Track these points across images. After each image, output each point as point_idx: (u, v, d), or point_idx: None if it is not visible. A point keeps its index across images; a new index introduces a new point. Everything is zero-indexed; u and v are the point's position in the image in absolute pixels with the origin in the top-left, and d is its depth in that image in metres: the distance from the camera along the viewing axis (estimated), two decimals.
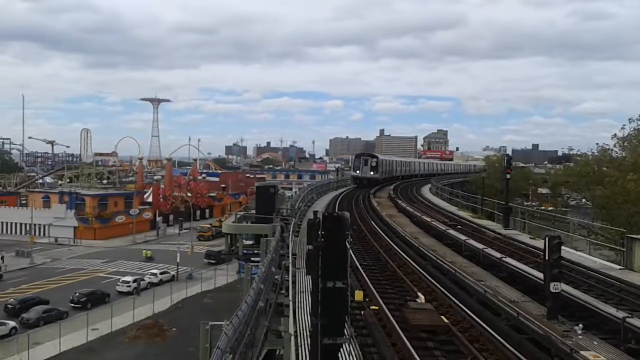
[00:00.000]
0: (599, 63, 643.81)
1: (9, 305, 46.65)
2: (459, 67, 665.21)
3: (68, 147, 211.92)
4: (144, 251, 73.07)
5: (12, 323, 42.00)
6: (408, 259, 21.30)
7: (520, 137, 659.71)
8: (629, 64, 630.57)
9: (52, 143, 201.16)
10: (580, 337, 11.72)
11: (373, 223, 31.72)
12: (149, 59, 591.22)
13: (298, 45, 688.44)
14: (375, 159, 63.93)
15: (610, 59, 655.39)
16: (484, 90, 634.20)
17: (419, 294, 16.02)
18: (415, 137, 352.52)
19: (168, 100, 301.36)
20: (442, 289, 16.63)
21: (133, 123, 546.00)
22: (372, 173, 62.95)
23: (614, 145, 43.39)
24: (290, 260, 17.79)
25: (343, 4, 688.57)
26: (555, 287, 12.90)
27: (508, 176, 32.38)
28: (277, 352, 13.12)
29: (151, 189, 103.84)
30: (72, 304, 48.25)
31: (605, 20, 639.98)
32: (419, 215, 32.65)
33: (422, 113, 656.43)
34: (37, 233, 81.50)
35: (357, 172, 64.14)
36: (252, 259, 29.05)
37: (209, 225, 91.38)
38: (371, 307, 14.60)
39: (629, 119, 41.15)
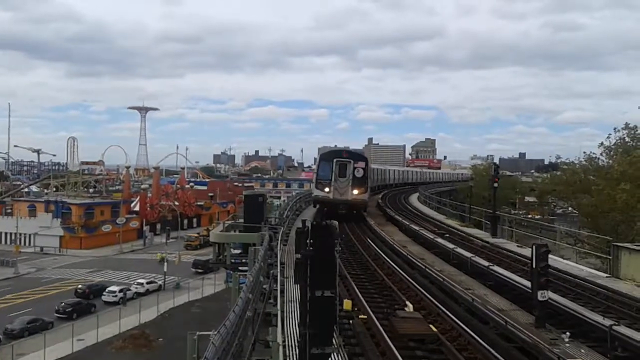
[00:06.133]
0: (575, 73, 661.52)
1: (78, 290, 54.61)
2: (439, 77, 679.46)
3: (54, 155, 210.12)
4: (158, 254, 72.45)
5: None
6: (396, 267, 21.30)
7: (505, 145, 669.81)
8: (606, 74, 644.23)
9: (38, 152, 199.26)
10: (567, 345, 11.76)
11: (361, 231, 31.72)
12: (134, 67, 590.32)
13: (281, 55, 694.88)
14: (362, 163, 36.01)
15: (587, 69, 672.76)
16: (465, 99, 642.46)
17: (408, 302, 16.01)
18: (404, 146, 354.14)
19: (156, 109, 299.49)
20: (430, 297, 16.64)
21: (119, 132, 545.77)
22: (355, 192, 35.13)
23: (601, 154, 43.84)
24: (279, 270, 17.71)
25: (323, 14, 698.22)
26: (542, 295, 12.95)
27: (495, 185, 32.59)
28: None
29: (138, 197, 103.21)
30: (58, 314, 47.73)
31: (576, 32, 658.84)
32: (408, 223, 32.72)
33: (407, 122, 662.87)
34: (22, 242, 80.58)
35: (326, 190, 35.17)
36: (240, 268, 28.94)
37: (196, 234, 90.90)
38: (360, 316, 14.56)
39: (614, 128, 41.62)
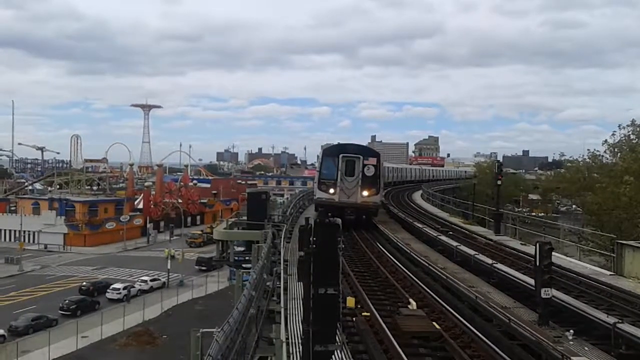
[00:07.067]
0: (577, 71, 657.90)
1: (82, 287, 55.37)
2: (441, 75, 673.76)
3: (58, 153, 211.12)
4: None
5: (0, 331, 41.69)
6: (400, 265, 21.29)
7: (508, 143, 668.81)
8: (607, 71, 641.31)
9: (42, 149, 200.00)
10: (571, 342, 11.73)
11: (365, 229, 31.65)
12: (135, 65, 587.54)
13: (281, 53, 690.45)
14: (373, 160, 30.22)
15: (588, 66, 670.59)
16: (467, 97, 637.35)
17: (411, 300, 16.00)
18: (407, 144, 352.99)
19: (159, 107, 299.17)
20: (433, 295, 16.63)
21: (122, 129, 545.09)
22: (365, 193, 29.70)
23: (605, 152, 43.76)
24: (282, 267, 17.74)
25: (323, 12, 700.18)
26: (546, 293, 12.92)
27: (499, 182, 32.52)
28: None
29: (142, 195, 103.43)
30: (62, 312, 47.92)
31: (577, 29, 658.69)
32: (411, 221, 32.66)
33: (410, 119, 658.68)
34: (26, 240, 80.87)
35: (331, 191, 29.64)
36: (244, 265, 28.98)
37: (200, 232, 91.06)
38: (363, 314, 14.56)
39: (619, 125, 41.52)
